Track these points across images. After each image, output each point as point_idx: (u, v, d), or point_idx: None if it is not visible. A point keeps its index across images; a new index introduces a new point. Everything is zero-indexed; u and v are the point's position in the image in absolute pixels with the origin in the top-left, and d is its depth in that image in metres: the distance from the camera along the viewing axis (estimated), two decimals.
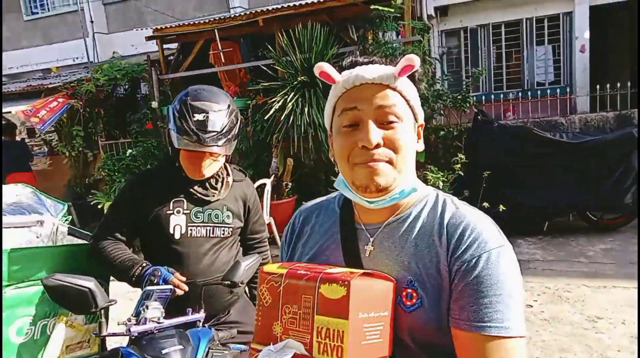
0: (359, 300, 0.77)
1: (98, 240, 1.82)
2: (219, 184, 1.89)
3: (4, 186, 2.64)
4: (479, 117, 5.86)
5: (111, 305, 1.51)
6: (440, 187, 5.14)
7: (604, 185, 5.30)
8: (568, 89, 7.78)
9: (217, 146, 1.70)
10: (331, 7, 6.53)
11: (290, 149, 6.21)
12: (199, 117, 1.67)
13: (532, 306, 3.94)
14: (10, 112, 7.63)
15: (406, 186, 0.90)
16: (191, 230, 1.81)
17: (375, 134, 0.86)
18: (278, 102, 6.06)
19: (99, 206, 6.73)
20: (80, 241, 2.20)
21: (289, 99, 6.07)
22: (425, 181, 5.26)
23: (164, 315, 1.54)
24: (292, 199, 6.35)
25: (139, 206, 1.80)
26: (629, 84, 6.42)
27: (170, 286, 1.56)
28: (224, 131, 1.72)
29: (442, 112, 6.49)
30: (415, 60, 0.86)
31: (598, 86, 6.77)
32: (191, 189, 1.82)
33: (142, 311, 1.49)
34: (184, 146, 1.71)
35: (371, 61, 0.93)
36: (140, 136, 7.59)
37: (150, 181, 1.87)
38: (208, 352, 1.55)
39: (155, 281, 1.63)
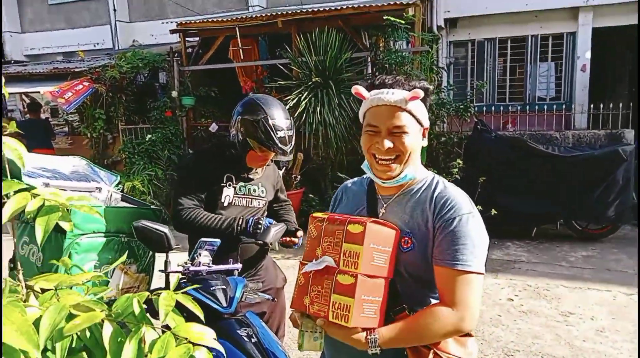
0: (371, 235, 1.21)
1: (183, 209, 2.19)
2: (259, 168, 2.35)
3: (61, 157, 3.06)
4: (478, 126, 6.29)
5: (178, 247, 1.94)
6: None
7: (589, 197, 5.73)
8: (566, 106, 8.20)
9: (288, 155, 2.19)
10: (346, 14, 6.95)
11: (301, 144, 6.63)
12: (280, 134, 2.14)
13: (512, 300, 4.36)
14: (38, 92, 8.06)
15: (409, 173, 1.33)
16: (235, 200, 2.26)
17: (387, 142, 1.29)
18: (292, 100, 6.48)
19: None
20: (132, 206, 2.62)
21: (302, 98, 6.50)
22: None
23: (211, 262, 1.98)
24: (300, 191, 6.77)
25: (204, 178, 2.23)
26: (620, 105, 6.84)
27: (218, 241, 1.99)
28: (292, 142, 2.21)
29: (444, 119, 6.91)
30: (420, 93, 1.26)
31: (592, 105, 7.18)
32: (239, 168, 2.28)
33: (196, 257, 1.92)
34: (260, 152, 2.17)
35: (395, 81, 1.32)
36: (159, 122, 8.02)
37: (210, 159, 2.30)
38: (243, 294, 1.98)
39: (260, 227, 2.12)
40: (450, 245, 1.24)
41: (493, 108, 7.85)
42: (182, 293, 0.98)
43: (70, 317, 0.86)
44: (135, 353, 0.83)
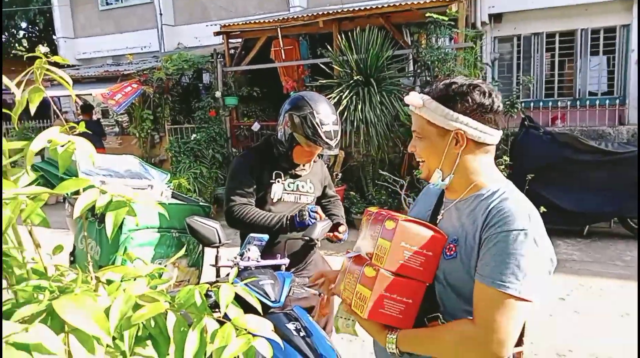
0: (403, 233, 1.18)
1: (235, 205, 2.26)
2: (307, 164, 2.38)
3: (115, 156, 3.19)
4: (525, 122, 6.10)
5: (228, 242, 1.99)
6: None
7: None
8: (620, 101, 7.84)
9: (335, 149, 2.23)
10: (388, 12, 6.90)
11: (343, 142, 6.64)
12: (326, 128, 2.17)
13: (564, 299, 4.22)
14: (90, 94, 8.44)
15: (435, 177, 1.29)
16: (284, 196, 2.32)
17: (411, 145, 1.35)
18: (334, 98, 6.50)
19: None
20: (182, 202, 2.71)
21: (344, 96, 6.50)
22: None
23: (260, 256, 2.02)
24: (341, 189, 6.78)
25: (254, 175, 2.29)
26: None
27: (266, 236, 2.03)
28: (339, 136, 2.24)
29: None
30: (413, 100, 1.26)
31: None
32: (287, 166, 2.33)
33: (246, 252, 1.97)
34: (307, 147, 2.20)
35: (433, 81, 1.34)
36: (203, 122, 8.22)
37: (259, 156, 2.36)
38: (290, 289, 2.01)
39: (305, 214, 2.17)
40: (492, 261, 1.13)
41: (541, 104, 7.60)
42: (241, 285, 1.01)
43: (136, 307, 0.90)
44: (199, 342, 0.86)
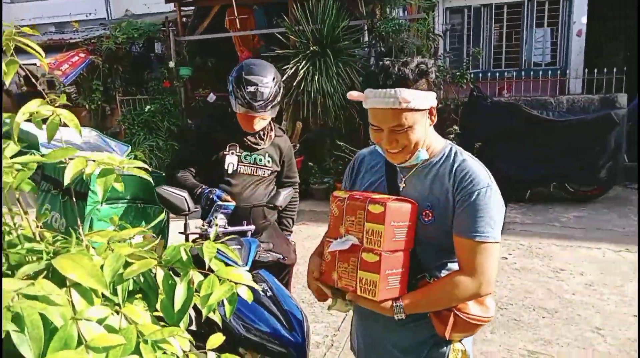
0: (392, 214, 1.27)
1: (172, 168, 2.37)
2: (265, 137, 2.43)
3: (72, 129, 3.15)
4: (474, 93, 6.38)
5: (196, 210, 2.08)
6: None
7: (582, 160, 5.89)
8: (561, 71, 8.27)
9: (264, 111, 2.22)
10: None
11: (300, 113, 6.71)
12: (250, 89, 2.18)
13: (506, 258, 4.57)
14: (35, 64, 8.04)
15: (420, 155, 1.35)
16: (240, 168, 2.37)
17: (390, 140, 1.32)
18: (290, 69, 6.52)
19: None
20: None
21: (300, 67, 6.54)
22: None
23: (227, 223, 2.12)
24: (299, 159, 6.89)
25: (205, 145, 2.34)
26: (614, 70, 6.92)
27: (233, 204, 2.13)
28: (269, 99, 2.22)
29: (440, 86, 6.99)
30: (408, 97, 1.26)
31: (587, 70, 7.26)
32: (244, 139, 2.36)
33: (213, 220, 2.06)
34: (239, 111, 2.24)
35: (395, 76, 1.27)
36: (157, 93, 8.04)
37: (214, 127, 2.40)
38: (256, 253, 2.14)
39: (211, 197, 2.20)
40: (469, 218, 1.30)
41: (489, 74, 7.89)
42: (221, 242, 1.12)
43: (126, 265, 0.99)
44: (186, 292, 0.97)
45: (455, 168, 1.35)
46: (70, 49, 8.35)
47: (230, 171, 2.36)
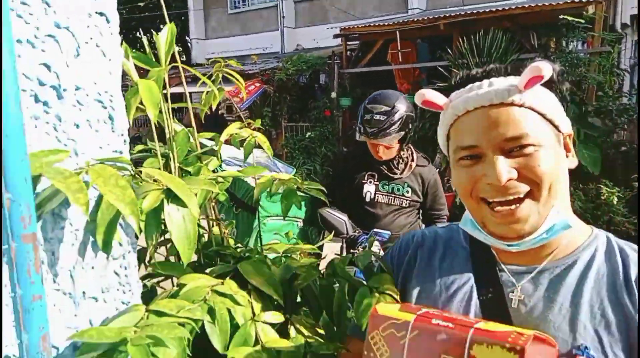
0: None
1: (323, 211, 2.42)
2: (402, 166, 2.40)
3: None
4: None
5: (356, 234, 2.15)
6: (615, 203, 5.04)
7: None
8: None
9: (377, 138, 2.21)
10: (515, 14, 6.63)
11: None
12: (367, 117, 2.23)
13: None
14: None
15: (556, 220, 0.71)
16: (378, 196, 2.38)
17: (504, 169, 0.69)
18: None
19: None
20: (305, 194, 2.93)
21: None
22: (598, 195, 5.19)
23: (380, 251, 2.14)
24: (451, 194, 6.67)
25: (345, 176, 2.42)
26: None
27: (388, 233, 2.15)
28: (384, 127, 2.20)
29: (625, 126, 6.19)
30: (544, 69, 0.69)
31: None
32: (380, 167, 2.38)
33: (368, 246, 2.10)
34: (358, 138, 2.29)
35: (486, 72, 0.77)
36: (318, 121, 8.58)
37: (352, 158, 2.48)
38: None
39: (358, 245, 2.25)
40: None
41: None
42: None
43: (295, 276, 1.06)
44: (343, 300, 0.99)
45: (635, 275, 0.70)
46: (248, 79, 9.40)
47: (367, 199, 2.38)
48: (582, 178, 5.29)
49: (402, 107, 2.27)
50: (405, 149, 2.37)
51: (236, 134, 1.16)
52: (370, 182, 2.41)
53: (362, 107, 2.30)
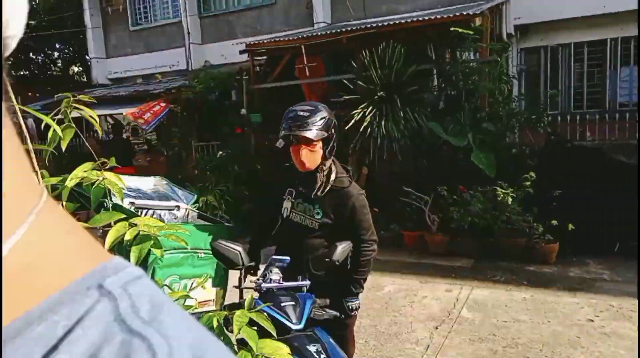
0: None
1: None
2: (318, 184, 2.28)
3: (143, 178, 3.29)
4: (552, 137, 6.01)
5: (251, 265, 2.05)
6: (509, 203, 5.38)
7: None
8: None
9: (299, 130, 2.13)
10: (411, 28, 6.93)
11: (366, 158, 6.66)
12: (291, 114, 2.21)
13: (593, 321, 4.10)
14: (121, 113, 8.74)
15: None
16: (292, 214, 2.33)
17: None
18: (358, 114, 6.54)
19: None
20: (207, 223, 2.79)
21: (367, 112, 6.54)
22: (494, 196, 5.52)
23: (281, 278, 2.06)
24: None
25: (271, 189, 2.40)
26: None
27: (288, 258, 2.07)
28: (307, 120, 2.15)
29: (515, 131, 6.67)
30: None
31: None
32: (299, 184, 2.33)
33: (268, 274, 2.01)
34: (281, 136, 2.23)
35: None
36: (229, 139, 8.38)
37: (278, 173, 2.44)
38: (311, 310, 2.05)
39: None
40: None
41: (569, 117, 7.47)
42: (256, 311, 1.06)
43: None
44: None
45: None
46: (153, 99, 9.00)
47: (284, 216, 2.34)
48: (480, 181, 5.60)
49: (324, 110, 2.24)
50: (327, 161, 2.26)
51: (85, 178, 1.03)
52: (288, 199, 2.34)
53: (286, 112, 2.27)
